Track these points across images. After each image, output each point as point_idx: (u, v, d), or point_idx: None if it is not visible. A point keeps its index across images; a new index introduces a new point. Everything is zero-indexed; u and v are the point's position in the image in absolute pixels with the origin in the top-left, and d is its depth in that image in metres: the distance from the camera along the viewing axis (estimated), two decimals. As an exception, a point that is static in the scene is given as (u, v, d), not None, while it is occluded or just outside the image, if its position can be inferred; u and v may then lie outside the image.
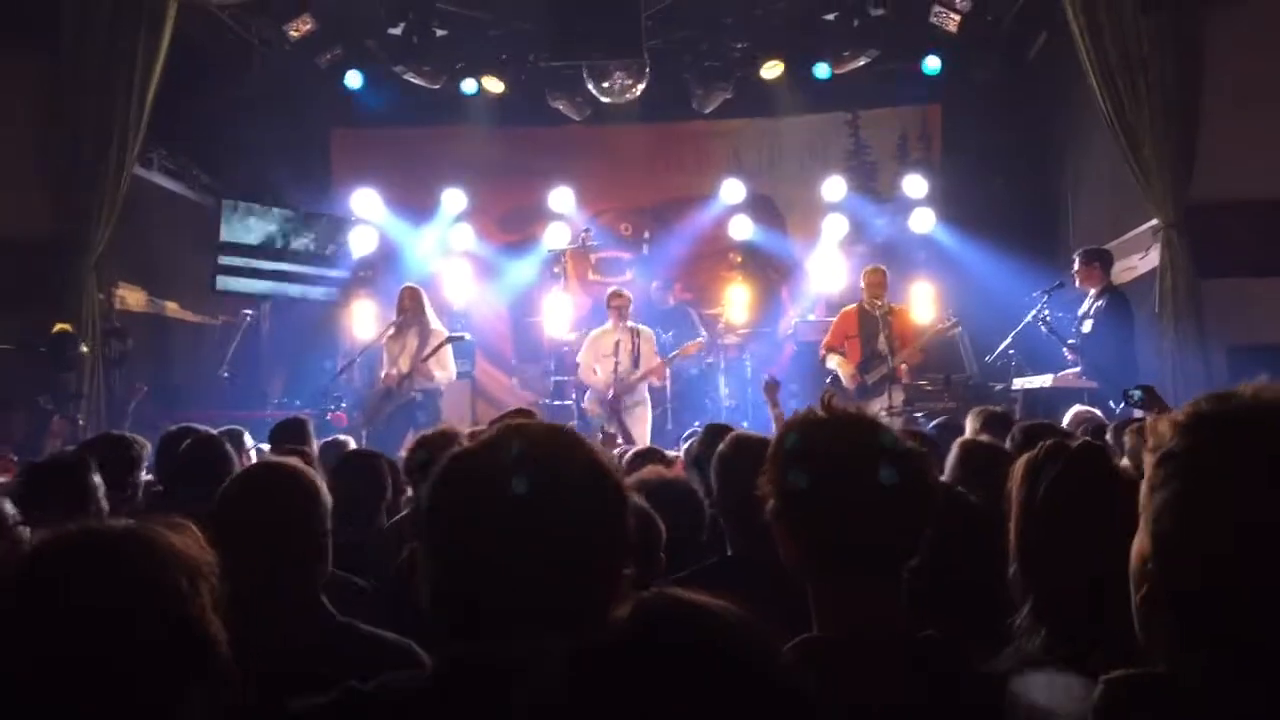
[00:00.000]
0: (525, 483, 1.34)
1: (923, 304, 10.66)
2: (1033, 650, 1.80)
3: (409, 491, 4.06)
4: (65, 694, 1.29)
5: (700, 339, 10.30)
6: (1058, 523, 1.77)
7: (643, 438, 9.13)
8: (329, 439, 6.10)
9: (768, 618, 1.04)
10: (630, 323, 9.71)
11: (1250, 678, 1.08)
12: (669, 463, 4.84)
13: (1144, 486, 1.20)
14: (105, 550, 1.36)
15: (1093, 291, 8.06)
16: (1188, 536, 1.13)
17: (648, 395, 9.76)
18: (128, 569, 1.35)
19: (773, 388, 7.21)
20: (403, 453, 4.73)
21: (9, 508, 2.74)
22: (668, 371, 10.10)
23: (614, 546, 1.41)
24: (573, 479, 1.38)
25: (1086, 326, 7.97)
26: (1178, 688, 1.13)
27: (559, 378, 11.06)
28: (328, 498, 2.41)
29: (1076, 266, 8.12)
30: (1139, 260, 9.24)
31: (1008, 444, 3.78)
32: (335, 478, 4.15)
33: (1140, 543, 1.21)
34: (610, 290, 9.95)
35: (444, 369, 9.19)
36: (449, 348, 9.22)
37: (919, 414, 8.62)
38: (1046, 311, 8.10)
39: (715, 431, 4.40)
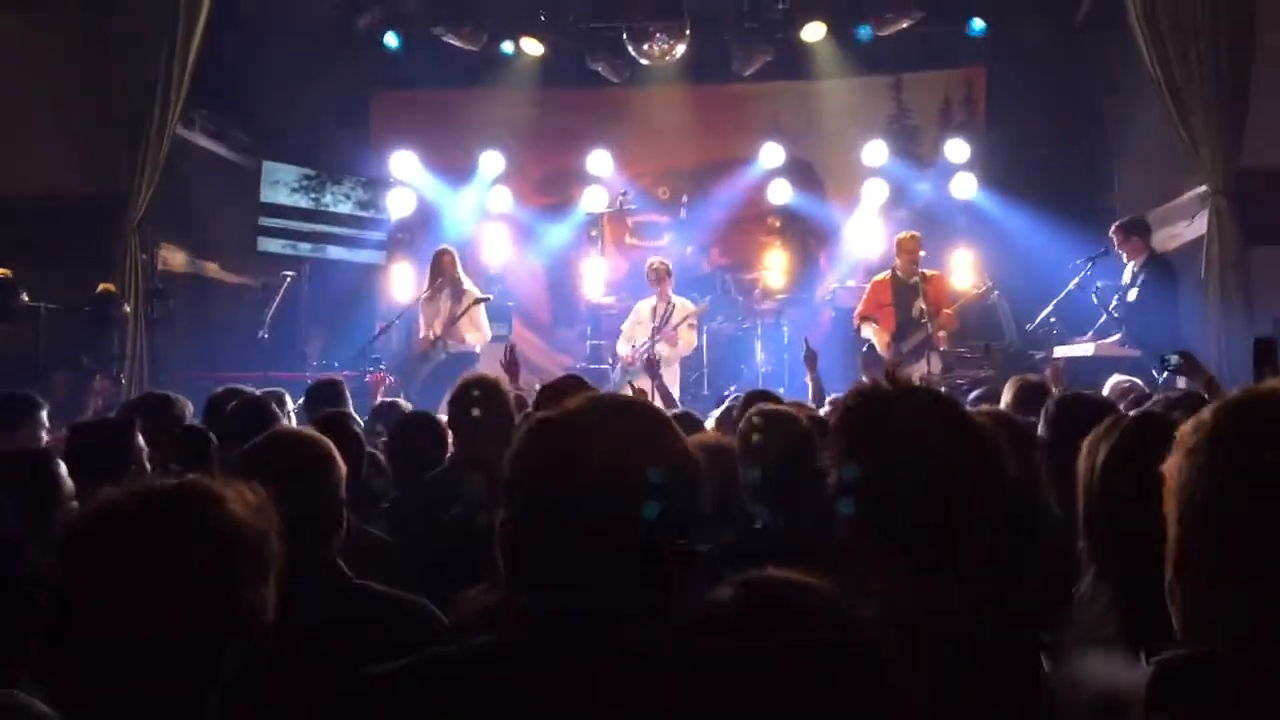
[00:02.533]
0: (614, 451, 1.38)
1: (962, 270, 10.55)
2: (1093, 620, 1.80)
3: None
4: (114, 648, 1.33)
5: (704, 302, 10.18)
6: (1114, 493, 1.77)
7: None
8: (386, 400, 6.16)
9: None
10: (671, 294, 9.68)
11: None
12: (702, 428, 4.83)
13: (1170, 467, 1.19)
14: (155, 516, 1.40)
15: (1136, 261, 7.94)
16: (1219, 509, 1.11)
17: (674, 364, 9.69)
18: (176, 536, 1.39)
19: (811, 357, 7.19)
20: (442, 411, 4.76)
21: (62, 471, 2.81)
22: (695, 340, 9.97)
23: (686, 510, 1.43)
24: (656, 445, 1.41)
25: (1131, 295, 7.87)
26: (1232, 667, 1.11)
27: (595, 341, 11.06)
28: (342, 465, 2.43)
29: (1116, 242, 8.01)
30: (1185, 227, 9.08)
31: (1041, 416, 3.72)
32: (395, 439, 4.23)
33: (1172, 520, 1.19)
34: (650, 260, 9.92)
35: (478, 330, 9.21)
36: (482, 309, 9.24)
37: (961, 381, 8.54)
38: (1099, 283, 8.01)
39: (756, 399, 4.39)
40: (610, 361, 10.43)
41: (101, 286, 8.47)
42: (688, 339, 9.69)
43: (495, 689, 1.37)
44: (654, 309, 9.58)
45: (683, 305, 9.72)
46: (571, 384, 4.40)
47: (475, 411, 3.79)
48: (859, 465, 1.66)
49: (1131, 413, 1.91)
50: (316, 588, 2.22)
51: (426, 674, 1.43)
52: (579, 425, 1.43)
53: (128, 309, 8.67)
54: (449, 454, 4.05)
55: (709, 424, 6.16)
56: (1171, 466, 1.19)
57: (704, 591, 1.05)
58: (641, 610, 1.35)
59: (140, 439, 3.55)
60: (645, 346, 9.38)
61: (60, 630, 1.36)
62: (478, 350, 9.19)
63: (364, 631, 2.14)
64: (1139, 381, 6.18)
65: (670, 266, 9.80)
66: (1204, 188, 8.49)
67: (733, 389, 9.85)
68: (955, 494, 1.59)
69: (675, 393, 9.41)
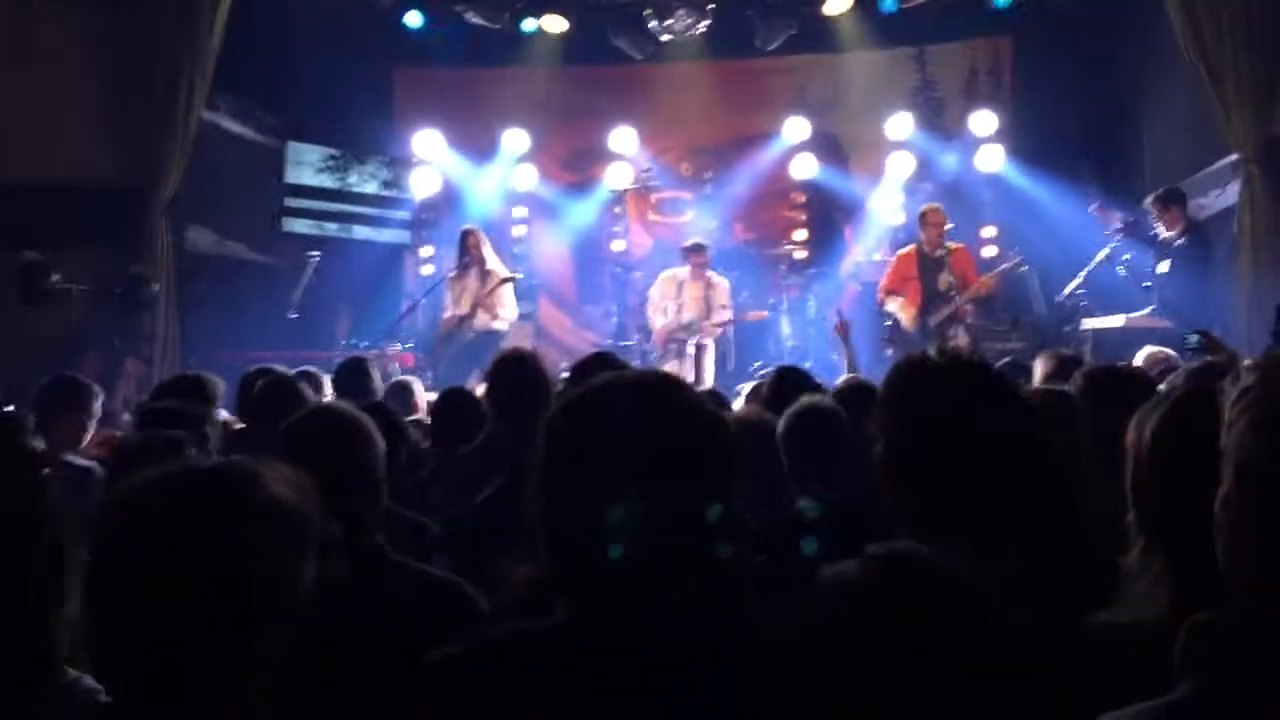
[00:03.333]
0: (651, 435, 1.35)
1: (989, 244, 10.46)
2: (1141, 593, 1.81)
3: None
4: (157, 625, 1.34)
5: (764, 311, 10.32)
6: (1162, 465, 1.78)
7: (705, 382, 9.18)
8: (396, 380, 6.18)
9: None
10: (710, 273, 9.71)
11: None
12: (727, 405, 4.84)
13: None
14: (197, 492, 1.42)
15: (1175, 231, 7.86)
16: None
17: (712, 344, 9.75)
18: (218, 513, 1.40)
19: (844, 327, 7.16)
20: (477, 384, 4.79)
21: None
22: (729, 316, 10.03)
23: (726, 493, 1.41)
24: (690, 425, 1.39)
25: (1163, 266, 7.80)
26: (1262, 630, 1.11)
27: (620, 319, 11.08)
28: (381, 442, 2.44)
29: (1154, 213, 7.94)
30: (1216, 197, 8.98)
31: (1070, 388, 3.70)
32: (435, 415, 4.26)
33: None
34: (693, 243, 9.87)
35: (505, 309, 9.24)
36: (509, 288, 9.27)
37: (987, 354, 8.51)
38: (1128, 256, 7.95)
39: (784, 374, 4.40)
40: (636, 339, 10.43)
41: (132, 268, 8.54)
42: (726, 316, 9.83)
43: (565, 675, 1.35)
44: (703, 296, 9.60)
45: (720, 283, 9.77)
46: (600, 362, 4.41)
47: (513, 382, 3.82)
48: (898, 439, 1.67)
49: (1178, 385, 1.90)
50: (356, 563, 2.24)
51: (490, 660, 1.40)
52: (607, 401, 1.40)
53: (157, 290, 8.74)
54: (486, 427, 4.06)
55: (738, 402, 6.18)
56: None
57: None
58: (706, 596, 1.35)
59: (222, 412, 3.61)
60: (695, 335, 9.50)
61: (103, 604, 1.38)
62: (505, 329, 9.21)
63: (401, 609, 2.16)
64: (1172, 352, 6.13)
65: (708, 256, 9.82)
66: (1235, 156, 8.39)
67: (759, 364, 9.87)
68: (997, 471, 1.59)
69: (710, 368, 9.47)
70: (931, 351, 1.72)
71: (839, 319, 7.26)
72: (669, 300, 9.63)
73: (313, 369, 5.52)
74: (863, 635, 0.97)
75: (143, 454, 3.06)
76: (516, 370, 3.91)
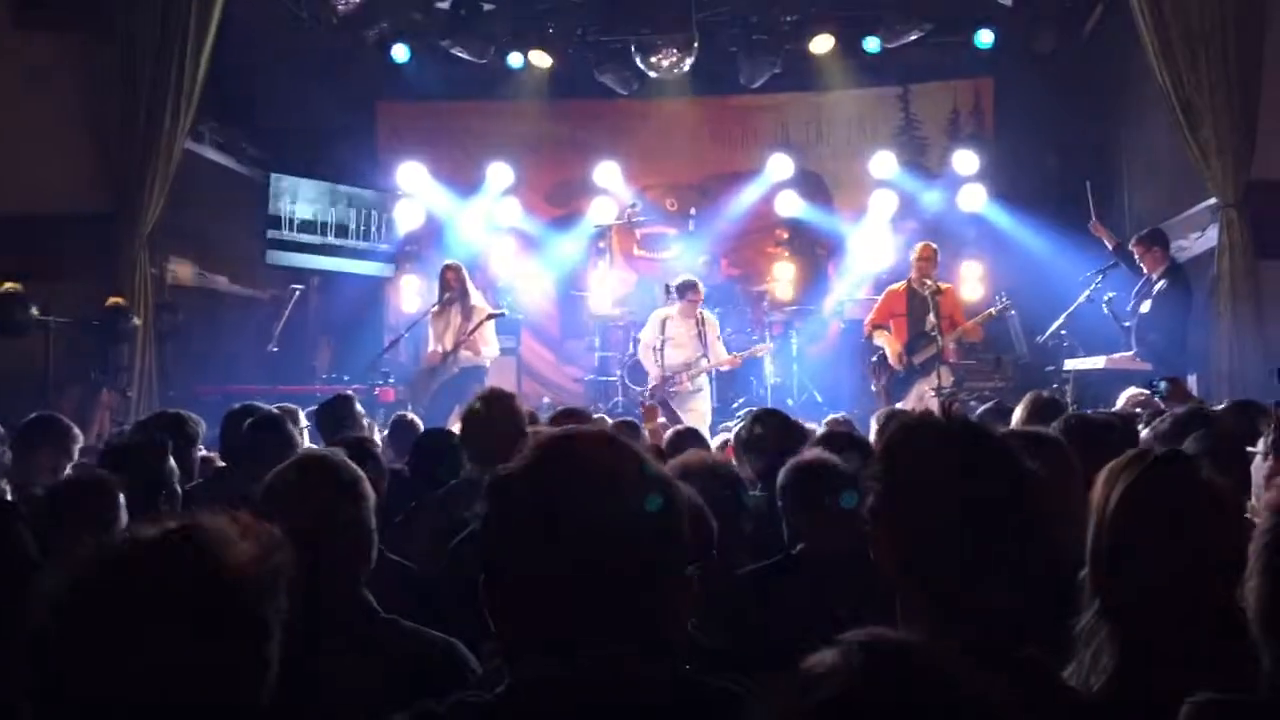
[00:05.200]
0: (582, 505, 1.31)
1: (972, 283, 10.50)
2: (1091, 654, 1.79)
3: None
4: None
5: (769, 344, 10.26)
6: (1129, 529, 1.75)
7: (702, 416, 9.11)
8: (399, 416, 6.14)
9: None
10: (702, 310, 9.59)
11: None
12: (706, 445, 4.81)
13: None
14: (152, 576, 1.31)
15: (1156, 271, 7.92)
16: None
17: (707, 382, 9.62)
18: (176, 602, 1.30)
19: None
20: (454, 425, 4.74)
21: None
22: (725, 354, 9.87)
23: (676, 554, 1.38)
24: (628, 492, 1.34)
25: (1144, 306, 7.84)
26: (1267, 713, 1.09)
27: (604, 353, 11.05)
28: (371, 493, 2.37)
29: (1138, 254, 7.99)
30: (1195, 240, 9.05)
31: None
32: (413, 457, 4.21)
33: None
34: (685, 280, 9.73)
35: (487, 345, 9.20)
36: (491, 324, 9.24)
37: (968, 396, 8.52)
38: (1110, 295, 8.00)
39: (759, 416, 4.38)
40: (618, 373, 10.38)
41: (111, 300, 8.47)
42: (719, 350, 9.66)
43: None
44: (698, 334, 9.43)
45: (712, 320, 9.68)
46: (566, 418, 4.41)
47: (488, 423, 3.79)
48: (888, 495, 1.67)
49: (1156, 450, 1.88)
50: (343, 623, 2.18)
51: None
52: (534, 481, 1.36)
53: (137, 322, 8.67)
54: (463, 470, 4.03)
55: (718, 440, 6.15)
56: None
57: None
58: (647, 654, 1.32)
59: (172, 463, 3.55)
60: (680, 378, 9.35)
61: (49, 698, 1.28)
62: (487, 365, 9.17)
63: (390, 668, 2.11)
64: (1150, 392, 6.16)
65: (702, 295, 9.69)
66: (1214, 200, 8.46)
67: (741, 401, 9.86)
68: (978, 535, 1.58)
69: (706, 416, 9.36)
70: (935, 412, 1.73)
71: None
72: (656, 340, 9.49)
73: (290, 405, 5.45)
74: None
75: (75, 500, 3.01)
76: (489, 413, 3.88)
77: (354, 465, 2.41)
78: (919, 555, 1.62)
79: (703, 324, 9.45)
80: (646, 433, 5.97)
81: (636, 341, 9.92)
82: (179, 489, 3.51)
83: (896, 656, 0.96)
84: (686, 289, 9.45)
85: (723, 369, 9.71)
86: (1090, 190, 8.94)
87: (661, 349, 9.36)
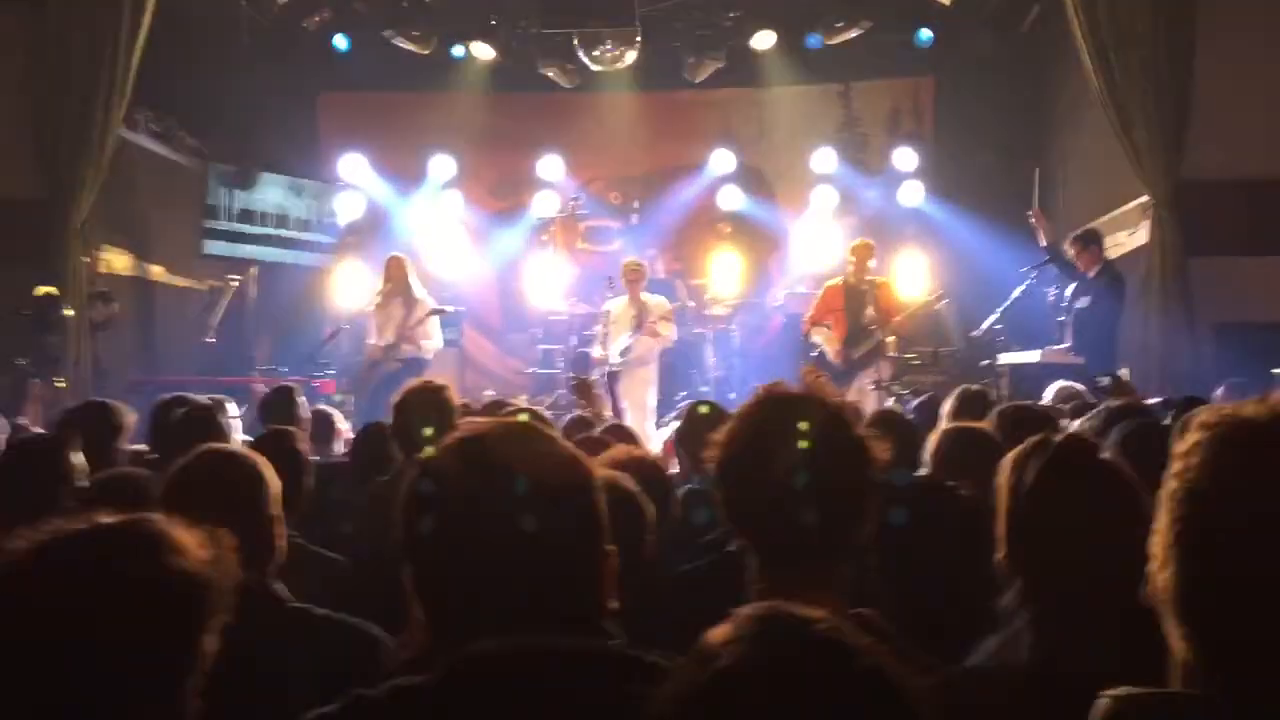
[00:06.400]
0: (499, 491, 1.35)
1: (911, 277, 10.62)
2: (1007, 637, 1.84)
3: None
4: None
5: (677, 303, 10.19)
6: (1042, 512, 1.81)
7: (642, 404, 9.10)
8: (315, 408, 6.07)
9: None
10: (643, 294, 9.53)
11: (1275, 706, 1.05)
12: (637, 441, 4.77)
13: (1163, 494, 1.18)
14: (93, 565, 1.32)
15: (1092, 270, 8.07)
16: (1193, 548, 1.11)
17: (653, 361, 9.50)
18: (117, 588, 1.31)
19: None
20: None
21: None
22: (675, 333, 9.64)
23: (591, 532, 1.41)
24: (542, 475, 1.38)
25: (1082, 302, 7.99)
26: (1193, 711, 1.10)
27: (546, 346, 11.03)
28: (275, 484, 2.37)
29: (1073, 253, 8.14)
30: (1127, 236, 9.24)
31: (988, 425, 3.76)
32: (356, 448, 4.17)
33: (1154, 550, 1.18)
34: (627, 262, 9.65)
35: (430, 339, 9.15)
36: (435, 318, 9.18)
37: (904, 390, 8.62)
38: (1050, 289, 8.15)
39: (694, 410, 4.37)
40: (560, 365, 10.38)
41: (41, 290, 8.30)
42: (668, 331, 9.46)
43: None
44: (634, 316, 9.33)
45: (658, 303, 9.57)
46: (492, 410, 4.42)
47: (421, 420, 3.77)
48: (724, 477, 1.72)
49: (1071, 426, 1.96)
50: (252, 612, 2.16)
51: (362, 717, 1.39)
52: (448, 470, 1.39)
53: (69, 312, 8.51)
54: (396, 462, 4.01)
55: (663, 434, 6.14)
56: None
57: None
58: (575, 630, 1.35)
59: (77, 458, 3.45)
60: (627, 347, 9.23)
61: None
62: (429, 357, 9.12)
63: (302, 657, 2.09)
64: (1082, 387, 6.27)
65: (645, 270, 9.62)
66: (1146, 198, 8.64)
67: (683, 394, 9.88)
68: (822, 501, 1.62)
69: (650, 396, 9.32)
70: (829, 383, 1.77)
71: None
72: (610, 326, 9.42)
73: (219, 396, 5.38)
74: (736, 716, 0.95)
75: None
76: (419, 404, 3.88)
77: (254, 456, 2.40)
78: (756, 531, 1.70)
79: (644, 308, 9.43)
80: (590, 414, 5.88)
81: (581, 334, 9.90)
82: (84, 485, 3.41)
83: (791, 627, 0.98)
84: (625, 270, 9.46)
85: (643, 349, 9.55)
86: (1039, 178, 9.06)
87: (606, 338, 9.34)
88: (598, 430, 4.65)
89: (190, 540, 1.39)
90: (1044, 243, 8.51)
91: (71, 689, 1.27)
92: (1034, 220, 8.66)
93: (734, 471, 1.72)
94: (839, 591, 1.66)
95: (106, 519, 1.38)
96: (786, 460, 1.65)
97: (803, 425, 1.67)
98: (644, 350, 9.34)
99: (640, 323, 9.26)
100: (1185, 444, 1.15)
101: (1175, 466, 1.15)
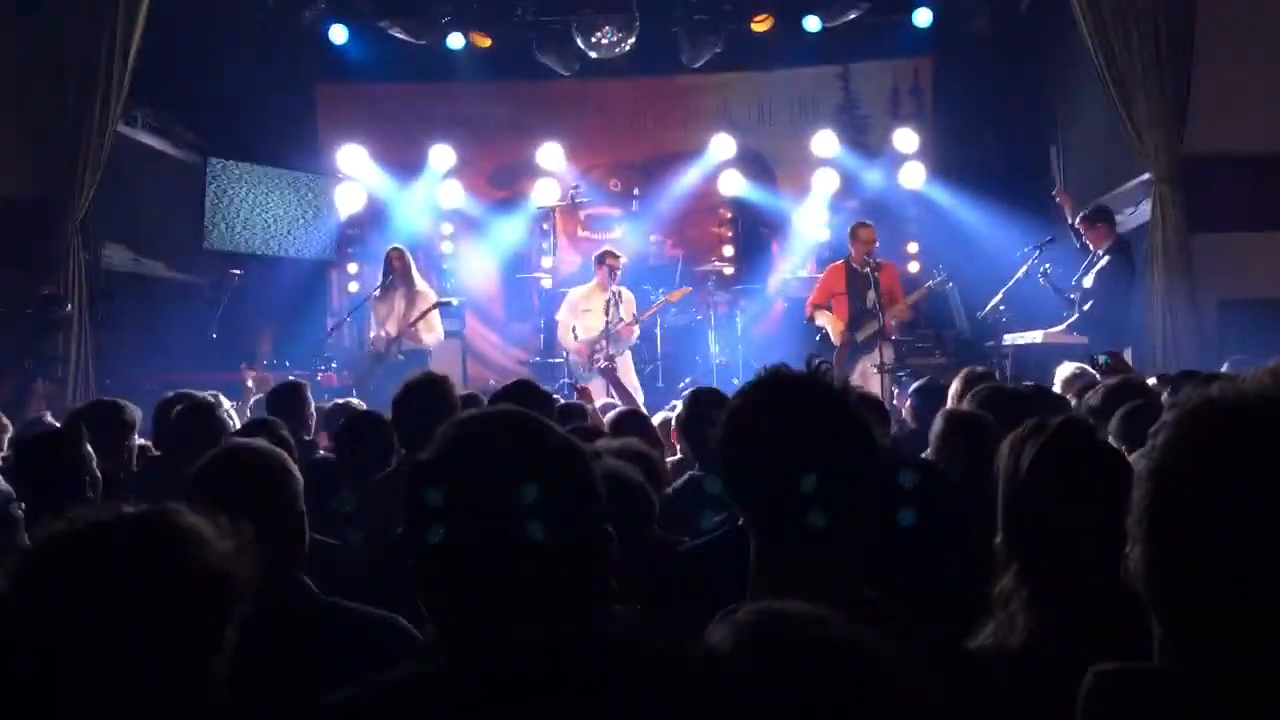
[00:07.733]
0: (497, 482, 1.36)
1: (912, 260, 10.61)
2: (1004, 618, 1.84)
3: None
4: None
5: (687, 287, 10.22)
6: (1039, 495, 1.82)
7: (635, 385, 9.13)
8: (339, 401, 6.06)
9: None
10: (616, 285, 9.55)
11: (1248, 680, 1.04)
12: (648, 427, 4.76)
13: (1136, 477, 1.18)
14: (118, 555, 1.35)
15: (1102, 247, 8.05)
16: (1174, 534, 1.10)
17: (627, 355, 9.59)
18: (143, 578, 1.34)
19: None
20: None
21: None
22: (636, 331, 9.76)
23: (590, 519, 1.42)
24: (534, 464, 1.38)
25: (1088, 280, 7.97)
26: (1172, 686, 1.10)
27: (549, 335, 11.03)
28: (299, 476, 2.36)
29: (1082, 230, 8.14)
30: (1130, 214, 9.21)
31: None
32: (339, 441, 4.16)
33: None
34: (605, 249, 9.76)
35: (432, 331, 9.16)
36: (436, 310, 9.19)
37: (903, 372, 8.61)
38: (1047, 266, 8.12)
39: (697, 395, 4.35)
40: (565, 354, 10.37)
41: (44, 288, 8.32)
42: (635, 332, 9.63)
43: (444, 716, 1.36)
44: (607, 303, 9.40)
45: (628, 299, 9.61)
46: (518, 391, 4.41)
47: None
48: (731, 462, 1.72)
49: (1054, 418, 1.96)
50: (285, 609, 2.17)
51: (382, 704, 1.41)
52: (446, 462, 1.41)
53: (71, 310, 8.51)
54: (397, 456, 4.00)
55: (658, 419, 6.14)
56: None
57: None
58: (577, 616, 1.37)
59: (89, 448, 3.47)
60: (601, 346, 9.26)
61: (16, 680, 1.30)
62: (431, 349, 9.13)
63: (335, 651, 2.09)
64: (1089, 369, 6.26)
65: (621, 261, 9.66)
66: (1148, 175, 8.61)
67: (688, 380, 9.88)
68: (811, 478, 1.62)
69: (633, 378, 9.38)
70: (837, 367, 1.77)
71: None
72: (579, 316, 9.45)
73: (213, 391, 5.40)
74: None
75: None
76: (422, 397, 3.87)
77: (279, 451, 2.40)
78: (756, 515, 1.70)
79: (618, 299, 9.40)
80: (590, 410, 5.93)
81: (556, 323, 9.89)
82: (99, 475, 3.44)
83: (785, 625, 0.97)
84: (602, 256, 9.48)
85: (629, 336, 9.58)
86: (1056, 157, 9.04)
87: (575, 328, 9.36)
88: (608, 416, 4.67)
89: (212, 532, 1.41)
90: (1071, 221, 8.49)
91: (95, 676, 1.29)
92: (1059, 199, 8.64)
93: (736, 451, 1.70)
94: (841, 571, 1.65)
95: (130, 510, 1.40)
96: (788, 440, 1.64)
97: (804, 405, 1.67)
98: (625, 340, 9.49)
99: (609, 310, 9.25)
100: (1158, 423, 1.16)
101: (1147, 445, 1.16)
